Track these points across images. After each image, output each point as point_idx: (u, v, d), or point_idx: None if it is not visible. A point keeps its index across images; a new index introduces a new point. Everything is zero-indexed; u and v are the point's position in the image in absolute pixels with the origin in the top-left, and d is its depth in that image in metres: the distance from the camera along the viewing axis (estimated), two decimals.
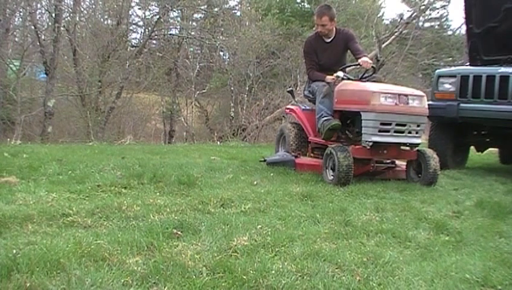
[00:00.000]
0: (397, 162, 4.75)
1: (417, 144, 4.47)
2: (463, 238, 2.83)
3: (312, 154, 5.08)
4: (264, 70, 15.06)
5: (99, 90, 13.53)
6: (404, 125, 4.30)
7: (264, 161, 5.12)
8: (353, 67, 5.34)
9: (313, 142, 5.04)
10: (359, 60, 4.76)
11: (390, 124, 4.25)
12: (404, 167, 4.73)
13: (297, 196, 3.62)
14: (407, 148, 4.53)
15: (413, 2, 18.66)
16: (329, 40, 5.00)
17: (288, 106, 5.81)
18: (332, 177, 4.27)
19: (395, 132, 4.28)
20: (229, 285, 1.96)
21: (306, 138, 5.13)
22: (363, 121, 4.29)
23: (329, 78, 4.72)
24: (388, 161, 4.66)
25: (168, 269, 2.04)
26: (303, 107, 5.27)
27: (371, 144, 4.25)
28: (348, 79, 4.70)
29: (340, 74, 4.66)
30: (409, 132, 4.35)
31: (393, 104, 4.24)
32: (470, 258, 2.46)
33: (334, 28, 4.99)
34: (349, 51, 5.08)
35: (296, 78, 14.13)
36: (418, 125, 4.39)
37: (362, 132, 4.31)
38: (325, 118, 4.60)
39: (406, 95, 4.33)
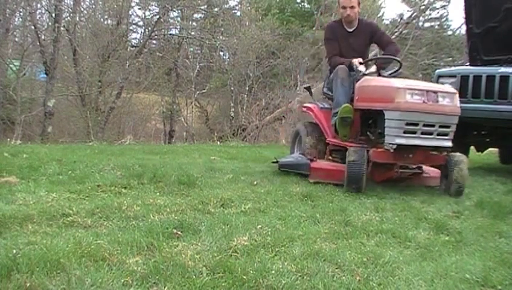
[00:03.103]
0: (425, 167, 4.35)
1: (447, 148, 4.01)
2: (463, 238, 2.83)
3: (330, 157, 4.62)
4: (264, 70, 15.06)
5: (99, 90, 13.52)
6: (433, 126, 3.88)
7: (277, 162, 4.70)
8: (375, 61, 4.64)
9: (331, 144, 4.58)
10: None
11: (417, 125, 3.84)
12: (433, 173, 4.33)
13: (297, 196, 3.62)
14: (435, 152, 4.10)
15: (413, 2, 18.68)
16: (351, 29, 4.58)
17: (305, 104, 5.30)
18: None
19: (422, 133, 3.87)
20: (229, 285, 1.96)
21: (324, 139, 4.68)
22: (386, 121, 3.89)
23: (355, 61, 4.32)
24: (414, 167, 4.19)
25: (168, 269, 2.04)
26: (321, 106, 4.83)
27: (394, 146, 3.84)
28: (364, 75, 4.29)
29: (362, 68, 4.28)
30: (438, 134, 3.92)
31: (420, 101, 3.82)
32: (470, 258, 2.46)
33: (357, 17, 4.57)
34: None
35: (296, 78, 14.12)
36: (449, 127, 3.96)
37: (385, 133, 3.90)
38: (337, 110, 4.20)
39: (435, 92, 3.90)
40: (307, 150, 4.70)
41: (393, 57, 4.49)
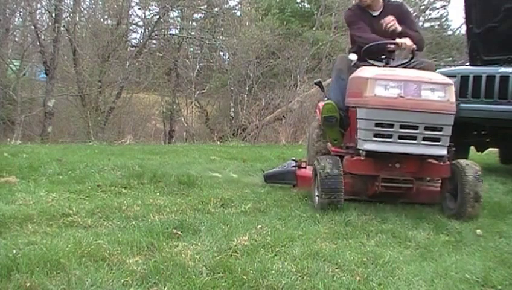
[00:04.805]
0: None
1: (441, 156, 3.19)
2: (463, 238, 2.83)
3: None
4: (264, 70, 15.06)
5: (99, 90, 13.53)
6: (415, 128, 3.06)
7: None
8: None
9: (330, 149, 3.82)
10: (397, 40, 3.51)
11: (391, 126, 3.07)
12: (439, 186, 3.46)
13: (297, 196, 3.62)
14: (434, 160, 3.27)
15: (413, 2, 18.66)
16: (376, 13, 3.79)
17: (319, 103, 4.38)
18: (316, 198, 3.25)
19: (400, 137, 3.08)
20: (229, 285, 1.96)
21: None
22: (357, 121, 3.19)
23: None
24: (405, 179, 3.25)
25: (168, 269, 2.04)
26: None
27: (364, 153, 3.15)
28: (372, 65, 3.50)
29: (353, 56, 3.59)
30: (424, 138, 3.09)
31: (394, 96, 3.05)
32: (470, 258, 2.46)
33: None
34: None
35: (296, 78, 14.12)
36: (439, 129, 3.11)
37: (357, 136, 3.21)
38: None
39: (418, 82, 3.07)
40: (311, 156, 4.07)
41: (385, 41, 3.54)
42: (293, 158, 4.25)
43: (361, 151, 3.16)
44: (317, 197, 3.27)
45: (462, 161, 3.31)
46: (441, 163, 3.25)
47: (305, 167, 3.87)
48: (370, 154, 3.16)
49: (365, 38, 3.66)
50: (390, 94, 3.07)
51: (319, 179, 3.18)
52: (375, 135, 3.11)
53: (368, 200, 3.43)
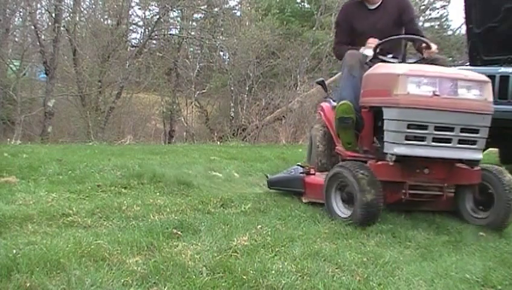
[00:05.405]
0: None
1: (477, 161, 2.97)
2: (463, 238, 2.83)
3: None
4: (264, 70, 15.05)
5: (99, 90, 13.52)
6: (451, 129, 2.83)
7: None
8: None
9: (339, 153, 3.54)
10: (432, 45, 3.35)
11: (425, 128, 2.81)
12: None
13: (297, 196, 3.62)
14: (464, 165, 3.03)
15: (413, 2, 18.66)
16: (374, 6, 3.64)
17: (321, 103, 4.21)
18: (346, 213, 2.98)
19: (434, 140, 2.83)
20: (229, 285, 1.96)
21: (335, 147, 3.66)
22: (384, 122, 2.92)
23: (371, 41, 3.33)
24: (435, 186, 3.02)
25: (168, 269, 2.04)
26: (334, 104, 3.71)
27: (393, 158, 2.87)
28: (383, 61, 3.27)
29: (368, 52, 3.31)
30: (460, 141, 2.86)
31: (429, 94, 2.79)
32: (470, 258, 2.46)
33: None
34: None
35: (296, 78, 14.12)
36: (476, 131, 2.87)
37: (384, 138, 2.95)
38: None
39: (454, 80, 2.84)
40: (316, 161, 3.83)
41: (418, 37, 3.43)
42: (299, 163, 4.01)
43: (389, 156, 2.88)
44: (338, 208, 3.04)
45: (491, 167, 3.12)
46: (472, 168, 3.01)
47: (314, 174, 3.56)
48: (397, 158, 2.91)
49: (337, 51, 3.73)
50: (424, 92, 2.81)
51: (357, 191, 2.84)
52: (407, 138, 2.84)
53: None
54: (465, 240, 2.79)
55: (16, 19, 14.65)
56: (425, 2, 17.49)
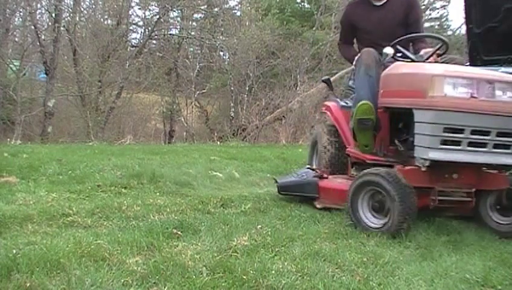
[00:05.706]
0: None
1: (509, 166, 2.88)
2: (463, 238, 2.83)
3: (352, 174, 3.47)
4: (264, 70, 15.05)
5: (99, 90, 13.53)
6: (487, 133, 2.71)
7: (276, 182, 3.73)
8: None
9: (353, 156, 3.42)
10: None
11: (462, 131, 2.69)
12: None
13: (298, 196, 3.62)
14: (492, 170, 2.95)
15: None
16: (379, 2, 3.57)
17: (326, 102, 4.15)
18: (376, 223, 2.84)
19: (470, 144, 2.71)
20: (229, 285, 1.96)
21: (345, 149, 3.57)
22: (416, 125, 2.79)
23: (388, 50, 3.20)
24: (465, 192, 2.90)
25: (168, 269, 2.04)
26: (342, 104, 3.65)
27: (427, 163, 2.74)
28: (405, 58, 3.19)
29: (389, 50, 3.19)
30: (495, 146, 2.74)
31: (467, 96, 2.67)
32: (470, 258, 2.46)
33: None
34: None
35: (296, 78, 14.12)
36: (511, 135, 2.75)
37: (415, 142, 2.81)
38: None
39: (491, 82, 2.72)
40: (324, 163, 3.75)
41: (437, 36, 3.49)
42: (308, 166, 3.92)
43: (421, 161, 2.74)
44: (367, 217, 2.88)
45: None
46: (500, 173, 2.94)
47: (327, 178, 3.46)
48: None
49: (340, 50, 3.86)
50: (461, 94, 2.67)
51: (395, 199, 2.70)
52: (443, 142, 2.70)
53: None
54: (465, 240, 2.79)
55: (16, 19, 14.67)
56: (425, 2, 17.50)
